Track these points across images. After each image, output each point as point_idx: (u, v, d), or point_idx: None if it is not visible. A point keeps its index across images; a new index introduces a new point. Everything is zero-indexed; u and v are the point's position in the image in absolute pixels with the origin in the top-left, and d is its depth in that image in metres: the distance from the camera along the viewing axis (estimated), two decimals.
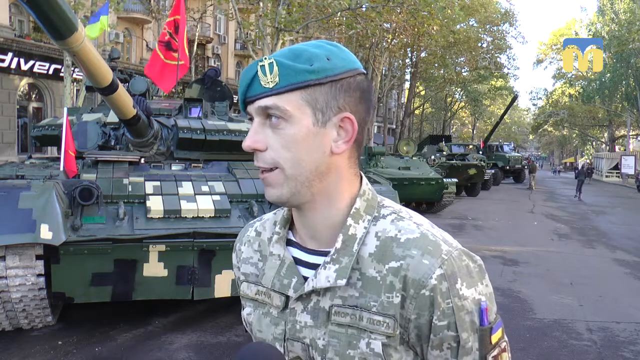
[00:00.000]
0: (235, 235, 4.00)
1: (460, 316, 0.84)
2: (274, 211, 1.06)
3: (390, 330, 0.86)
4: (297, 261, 0.96)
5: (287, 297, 0.94)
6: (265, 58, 0.86)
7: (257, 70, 0.86)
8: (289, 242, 0.99)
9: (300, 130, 0.86)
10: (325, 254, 0.92)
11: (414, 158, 14.57)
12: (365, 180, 0.96)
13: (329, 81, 0.86)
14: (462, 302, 0.84)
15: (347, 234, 0.90)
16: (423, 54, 31.12)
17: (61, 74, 16.68)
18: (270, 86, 0.85)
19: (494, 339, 0.87)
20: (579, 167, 33.27)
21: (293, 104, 0.85)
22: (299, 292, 0.92)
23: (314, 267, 0.93)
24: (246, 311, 1.06)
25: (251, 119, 0.91)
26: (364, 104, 0.91)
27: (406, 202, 10.83)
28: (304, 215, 0.94)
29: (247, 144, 0.88)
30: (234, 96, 6.61)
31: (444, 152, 20.49)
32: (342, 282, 0.88)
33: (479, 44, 32.49)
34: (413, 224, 0.90)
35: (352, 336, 0.88)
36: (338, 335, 0.89)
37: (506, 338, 0.91)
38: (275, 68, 0.85)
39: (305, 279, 0.93)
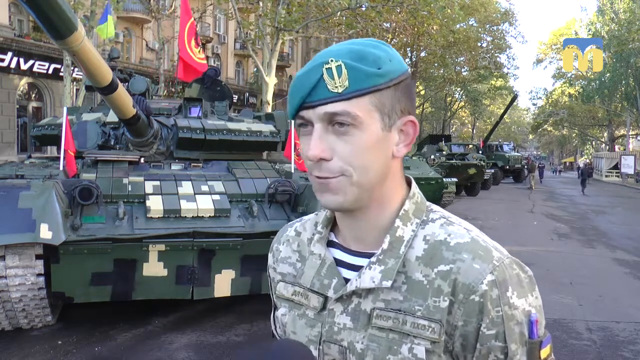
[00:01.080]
0: (234, 235, 4.02)
1: (509, 326, 0.81)
2: (316, 212, 1.03)
3: (436, 335, 0.82)
4: (338, 262, 0.93)
5: (326, 298, 0.91)
6: (332, 60, 0.80)
7: (323, 73, 0.80)
8: (330, 243, 0.96)
9: (370, 136, 0.82)
10: (369, 255, 0.89)
11: (413, 158, 14.54)
12: (414, 183, 0.93)
13: (393, 84, 0.83)
14: (513, 312, 0.81)
15: (395, 235, 0.87)
16: (423, 54, 31.10)
17: (61, 74, 16.67)
18: (340, 91, 0.80)
19: (543, 354, 0.83)
20: (581, 167, 33.67)
21: (363, 110, 0.81)
22: (340, 292, 0.89)
23: (356, 268, 0.90)
24: (280, 312, 1.02)
25: (302, 125, 0.85)
26: (414, 103, 0.89)
27: None
28: (353, 218, 0.90)
29: (314, 153, 0.82)
30: (234, 95, 6.60)
31: (444, 152, 20.50)
32: (388, 283, 0.85)
33: (479, 44, 32.51)
34: (463, 229, 0.88)
35: (393, 341, 0.85)
36: (378, 340, 0.86)
37: (554, 357, 0.87)
38: (345, 71, 0.80)
39: (346, 280, 0.90)
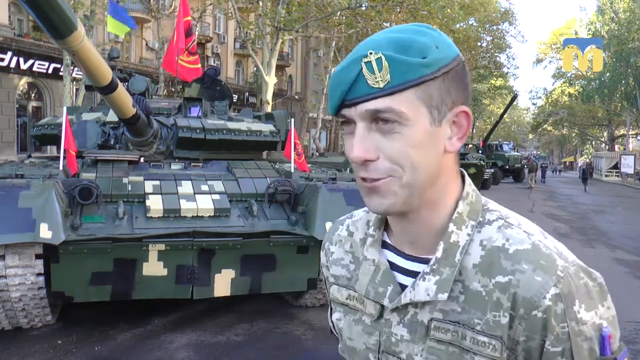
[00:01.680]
0: (234, 235, 4.01)
1: (577, 343, 0.74)
2: (365, 208, 0.96)
3: (497, 353, 0.76)
4: (393, 266, 0.87)
5: (382, 306, 0.86)
6: (371, 53, 0.74)
7: (362, 68, 0.74)
8: (383, 244, 0.90)
9: (417, 133, 0.76)
10: (424, 261, 0.84)
11: None
12: (468, 179, 0.86)
13: (442, 74, 0.76)
14: (580, 327, 0.74)
15: (449, 241, 0.81)
16: None
17: (60, 73, 16.67)
18: (381, 85, 0.74)
19: None
20: (584, 167, 34.38)
21: (408, 105, 0.75)
22: (394, 302, 0.84)
23: (411, 274, 0.85)
24: (335, 316, 0.97)
25: (344, 123, 0.80)
26: (468, 91, 0.81)
27: None
28: (405, 221, 0.84)
29: (357, 154, 0.76)
30: (234, 95, 6.61)
31: None
32: (444, 296, 0.79)
33: (479, 43, 32.52)
34: (523, 232, 0.80)
35: (453, 355, 0.80)
36: (438, 353, 0.81)
37: None
38: (385, 64, 0.73)
39: (402, 286, 0.85)
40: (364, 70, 0.74)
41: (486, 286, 0.78)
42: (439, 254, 0.81)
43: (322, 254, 1.03)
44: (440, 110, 0.77)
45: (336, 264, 0.98)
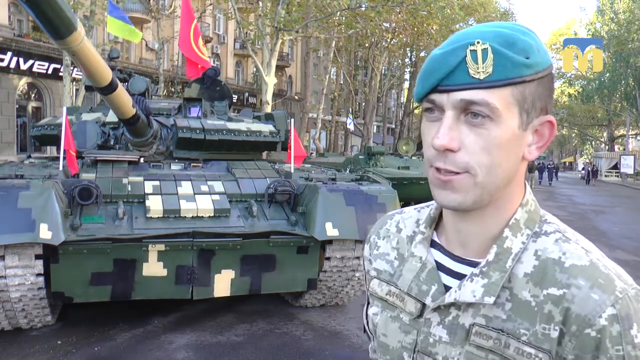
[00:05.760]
0: (234, 235, 4.01)
1: None
2: (416, 207, 0.97)
3: None
4: (439, 266, 0.86)
5: (424, 305, 0.85)
6: (478, 42, 0.72)
7: (467, 55, 0.72)
8: (432, 243, 0.89)
9: (505, 132, 0.74)
10: (473, 264, 0.82)
11: (413, 157, 14.54)
12: (529, 188, 0.85)
13: (539, 77, 0.75)
14: (637, 353, 0.71)
15: (502, 246, 0.79)
16: (422, 54, 31.08)
17: (60, 74, 16.68)
18: (482, 77, 0.72)
19: None
20: (588, 168, 35.73)
21: (503, 102, 0.73)
22: (437, 302, 0.83)
23: (457, 276, 0.83)
24: (372, 310, 0.95)
25: (429, 110, 0.78)
26: (552, 102, 0.80)
27: (405, 201, 10.81)
28: (465, 221, 0.82)
29: (441, 142, 0.74)
30: (234, 95, 6.62)
31: None
32: (490, 300, 0.77)
33: None
34: (581, 249, 0.78)
35: None
36: (476, 359, 0.79)
37: None
38: (490, 56, 0.72)
39: (447, 287, 0.83)
40: (468, 58, 0.72)
41: (537, 296, 0.76)
42: (490, 257, 0.80)
43: (366, 246, 1.02)
44: (530, 114, 0.76)
45: (381, 258, 0.96)
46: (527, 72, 0.73)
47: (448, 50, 0.74)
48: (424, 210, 0.94)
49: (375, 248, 0.99)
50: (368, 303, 1.00)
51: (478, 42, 0.72)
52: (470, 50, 0.72)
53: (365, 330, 1.02)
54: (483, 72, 0.72)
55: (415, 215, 0.95)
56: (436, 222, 0.90)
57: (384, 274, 0.94)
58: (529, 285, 0.77)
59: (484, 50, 0.72)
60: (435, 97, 0.76)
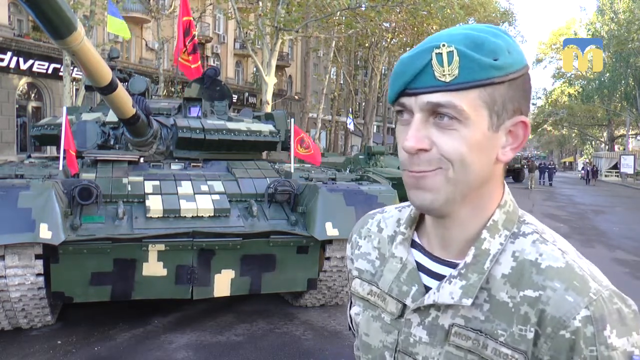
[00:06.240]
0: (234, 235, 4.01)
1: None
2: (397, 206, 0.97)
3: None
4: (419, 267, 0.86)
5: (404, 306, 0.85)
6: (444, 45, 0.73)
7: (432, 58, 0.73)
8: (412, 244, 0.89)
9: (474, 134, 0.74)
10: (452, 265, 0.83)
11: None
12: (507, 188, 0.84)
13: (509, 79, 0.74)
14: (610, 353, 0.71)
15: (480, 248, 0.80)
16: None
17: (60, 74, 16.68)
18: (447, 80, 0.72)
19: None
20: (589, 168, 35.98)
21: (470, 104, 0.73)
22: (417, 303, 0.83)
23: (437, 277, 0.84)
24: (354, 310, 0.96)
25: (400, 113, 0.78)
26: (529, 103, 0.79)
27: (405, 201, 10.82)
28: (442, 222, 0.83)
29: (410, 144, 0.75)
30: (234, 95, 6.62)
31: None
32: (468, 301, 0.78)
33: None
34: (557, 250, 0.78)
35: None
36: (455, 359, 0.79)
37: None
38: (456, 58, 0.72)
39: (427, 288, 0.84)
40: (434, 61, 0.73)
41: (514, 298, 0.76)
42: (468, 259, 0.80)
43: (348, 246, 1.02)
44: (500, 116, 0.76)
45: (362, 257, 0.96)
46: (495, 74, 0.73)
47: (415, 54, 0.75)
48: (405, 210, 0.94)
49: (356, 247, 0.99)
50: (351, 302, 1.00)
51: (443, 45, 0.72)
52: (436, 53, 0.73)
53: (350, 328, 1.03)
54: (449, 74, 0.72)
55: (396, 215, 0.96)
56: (417, 222, 0.91)
57: (365, 274, 0.94)
58: (506, 287, 0.78)
59: (450, 53, 0.72)
60: (405, 100, 0.76)
